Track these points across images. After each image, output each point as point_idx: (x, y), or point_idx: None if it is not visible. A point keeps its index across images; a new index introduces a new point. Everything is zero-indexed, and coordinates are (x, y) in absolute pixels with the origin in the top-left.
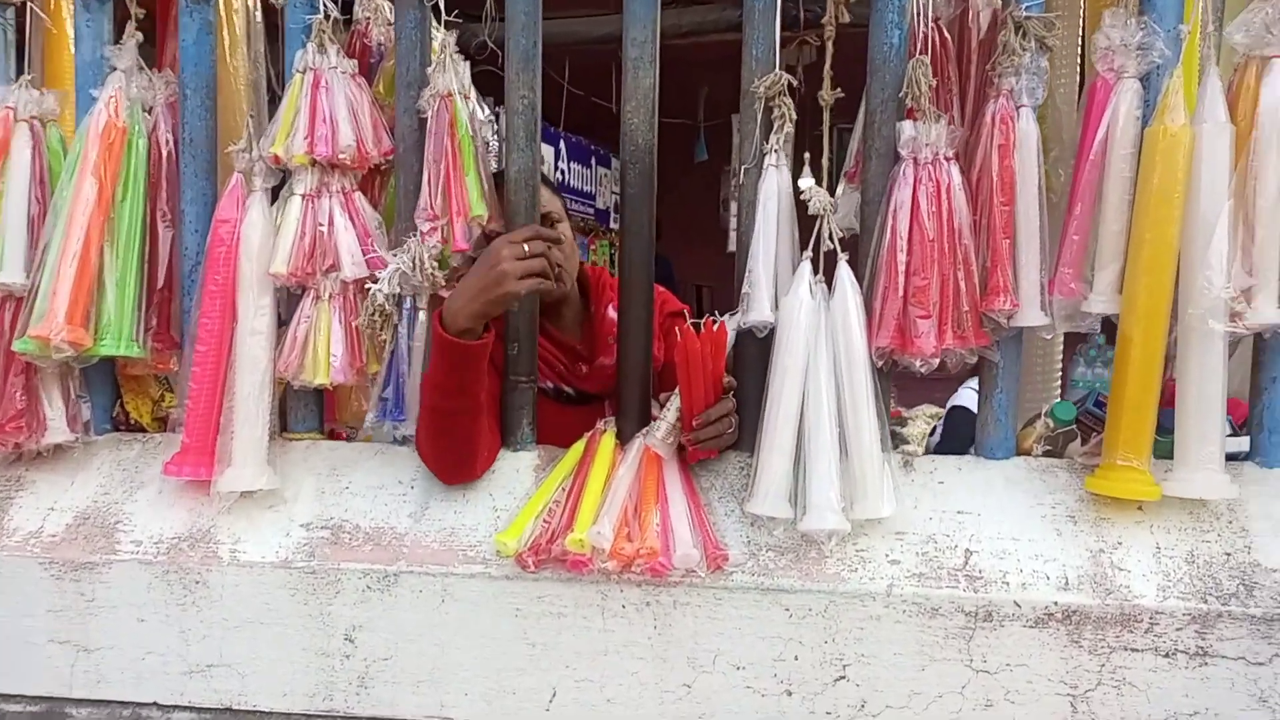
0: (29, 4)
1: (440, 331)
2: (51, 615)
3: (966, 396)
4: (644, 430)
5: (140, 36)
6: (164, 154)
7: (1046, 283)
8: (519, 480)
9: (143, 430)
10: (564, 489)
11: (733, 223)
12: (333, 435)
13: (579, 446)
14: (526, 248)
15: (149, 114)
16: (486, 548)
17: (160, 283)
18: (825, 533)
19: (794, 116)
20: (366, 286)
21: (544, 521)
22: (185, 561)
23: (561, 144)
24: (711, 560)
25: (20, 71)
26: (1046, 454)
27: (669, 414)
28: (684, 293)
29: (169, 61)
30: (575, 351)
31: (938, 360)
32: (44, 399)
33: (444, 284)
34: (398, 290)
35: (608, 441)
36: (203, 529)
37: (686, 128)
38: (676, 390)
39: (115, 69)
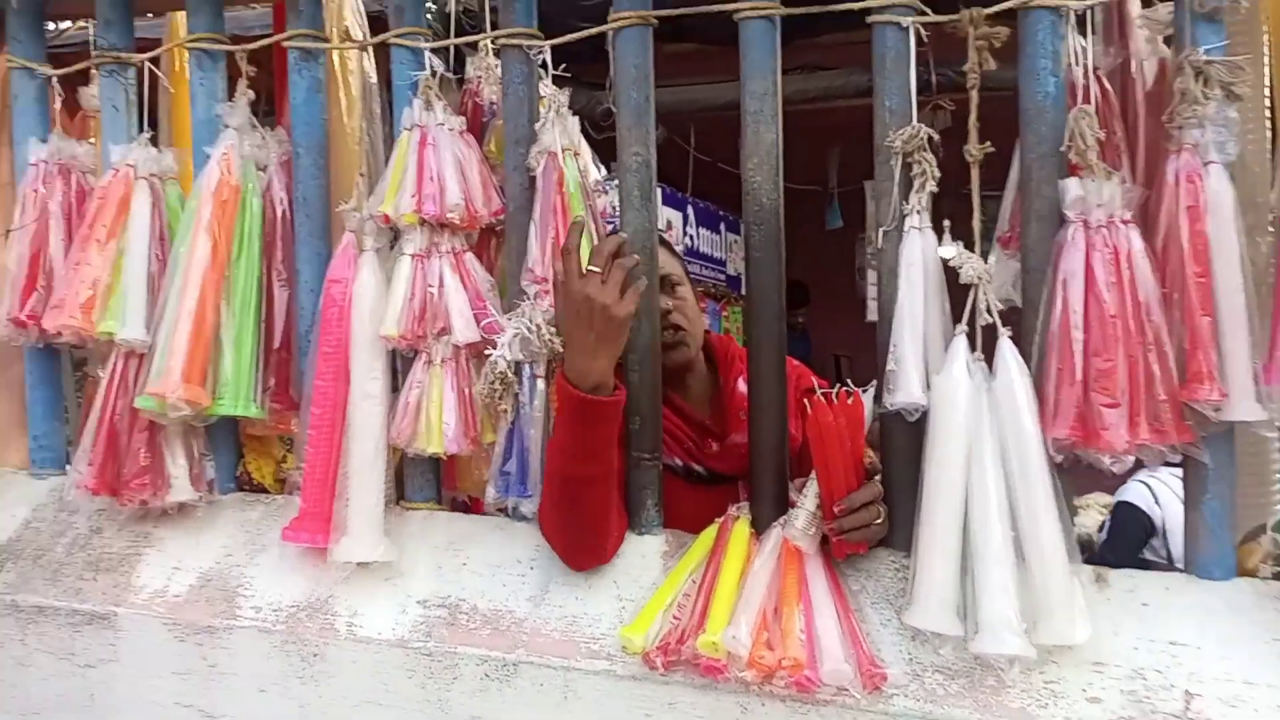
0: (147, 64)
1: (569, 388)
2: (177, 678)
3: (1135, 491)
4: (782, 520)
5: (251, 94)
6: (279, 213)
7: (1260, 369)
8: (645, 568)
9: (265, 491)
10: (694, 581)
11: (871, 291)
12: (454, 504)
13: (710, 534)
14: (603, 270)
15: (263, 172)
16: (611, 641)
17: (277, 342)
18: (1004, 658)
19: (936, 174)
20: (486, 352)
21: (673, 617)
22: (303, 632)
23: (689, 209)
24: (867, 679)
25: (141, 129)
26: (1277, 576)
27: (808, 500)
28: (821, 363)
29: (285, 121)
30: (704, 427)
31: (1131, 457)
32: (168, 456)
33: (561, 348)
34: (519, 357)
35: (741, 530)
36: (320, 598)
37: (817, 195)
38: (814, 475)
39: (228, 126)
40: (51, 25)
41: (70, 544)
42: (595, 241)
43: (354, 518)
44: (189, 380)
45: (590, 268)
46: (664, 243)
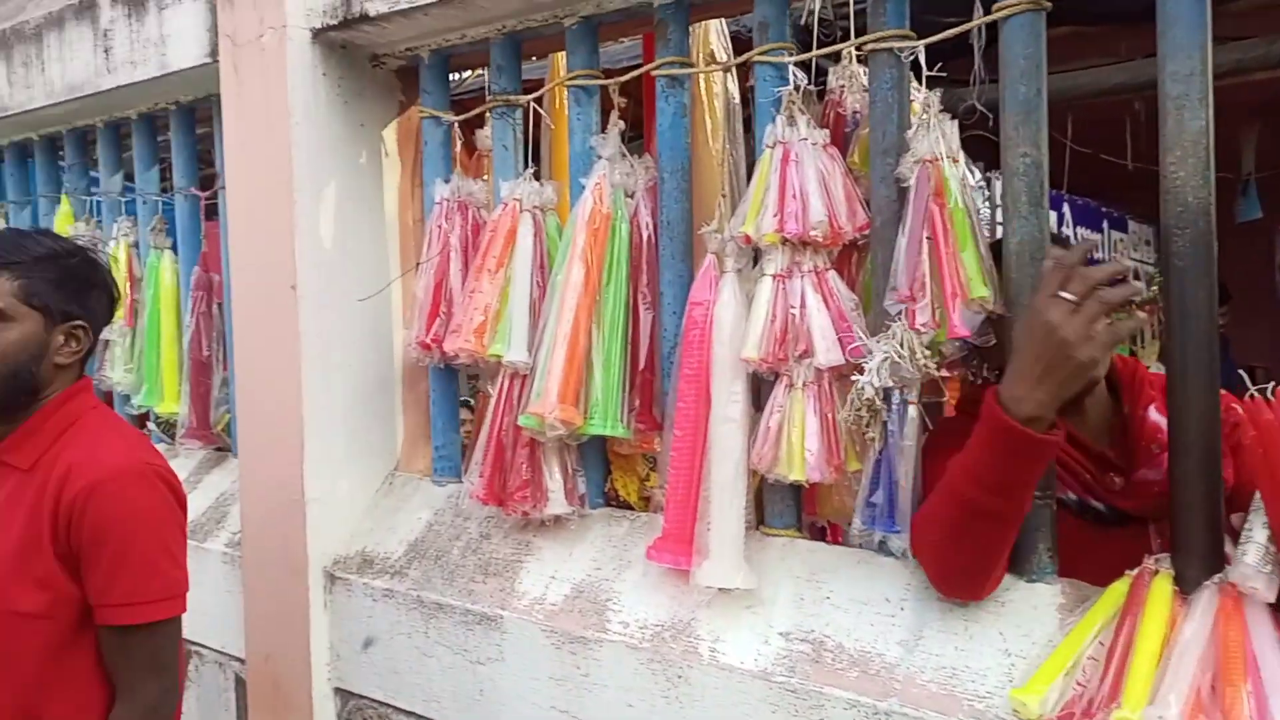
0: (532, 104)
1: (998, 410)
2: (553, 683)
3: None
4: (1217, 577)
5: (623, 125)
6: (644, 237)
7: None
8: (1037, 620)
9: (630, 508)
10: (1101, 643)
11: None
12: (813, 531)
13: (1119, 588)
14: (1078, 298)
15: (631, 199)
16: (998, 702)
17: (642, 364)
18: None
19: None
20: (853, 378)
21: (1077, 684)
22: (668, 652)
23: (1065, 207)
24: None
25: (527, 165)
26: None
27: (1255, 532)
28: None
29: (653, 148)
30: (1104, 459)
31: None
32: (546, 471)
33: (937, 375)
34: (888, 383)
35: (1162, 587)
36: (683, 620)
37: (1229, 183)
38: (1258, 501)
39: (600, 157)
40: (454, 75)
41: (464, 547)
42: (986, 264)
43: (715, 541)
44: (564, 401)
45: (1064, 294)
46: (1058, 244)
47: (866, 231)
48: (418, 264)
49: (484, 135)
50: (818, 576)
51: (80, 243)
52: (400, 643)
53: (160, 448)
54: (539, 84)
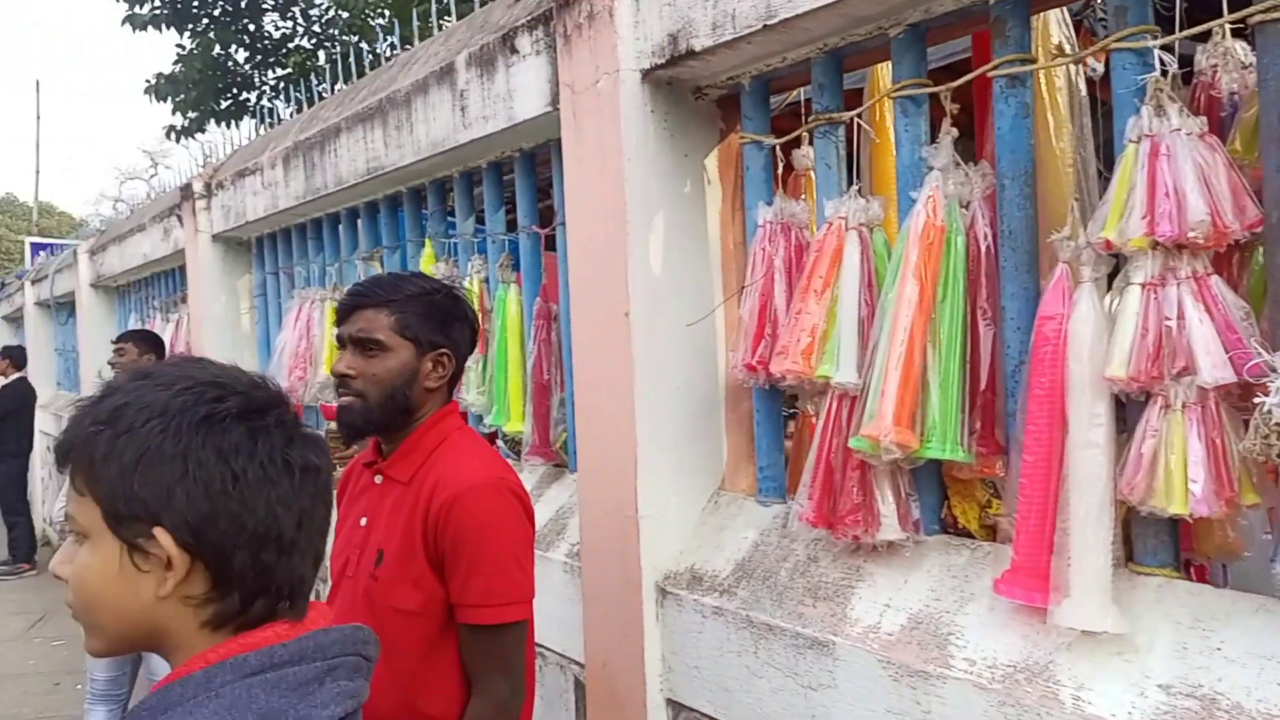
0: (855, 119)
1: None
2: (891, 716)
3: None
4: None
5: (955, 132)
6: (982, 249)
7: None
8: None
9: (970, 536)
10: None
11: None
12: (1188, 569)
13: None
14: None
15: (966, 209)
16: None
17: (983, 384)
18: None
19: None
20: (1258, 400)
21: None
22: (1023, 696)
23: None
24: None
25: (850, 183)
26: None
27: None
28: None
29: (987, 153)
30: None
31: None
32: (878, 495)
33: None
34: None
35: None
36: (1039, 663)
37: None
38: None
39: (932, 168)
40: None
41: (792, 569)
42: None
43: (1076, 579)
44: (899, 423)
45: None
46: None
47: (1258, 229)
48: (742, 287)
49: (801, 155)
50: (1204, 624)
51: (445, 281)
52: (729, 660)
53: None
54: (851, 96)
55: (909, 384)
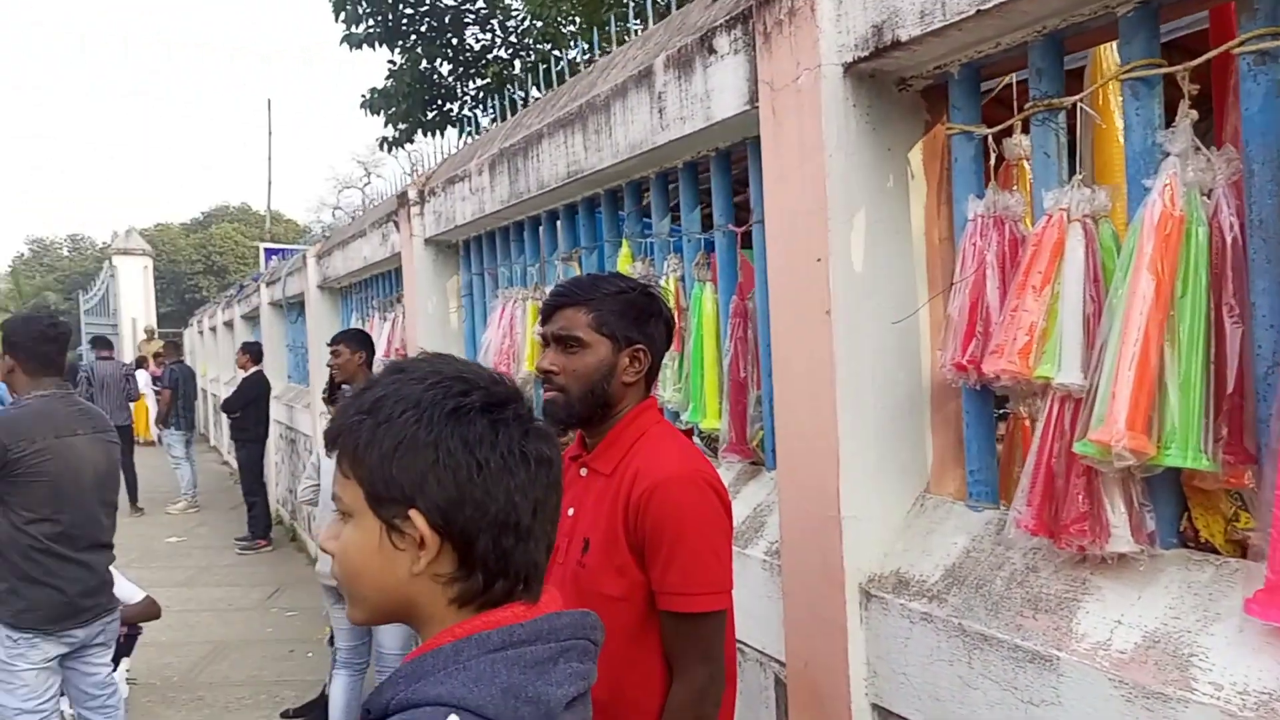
0: (1079, 104)
1: None
2: None
3: None
4: None
5: (1195, 115)
6: (1228, 240)
7: None
8: None
9: (1214, 551)
10: None
11: None
12: None
13: None
14: None
15: (1208, 198)
16: None
17: (1230, 387)
18: None
19: None
20: None
21: None
22: None
23: None
24: None
25: (1072, 172)
26: None
27: None
28: None
29: (1230, 136)
30: None
31: None
32: (1106, 503)
33: None
34: None
35: None
36: None
37: None
38: None
39: (1169, 154)
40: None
41: (1008, 578)
42: None
43: None
44: (1133, 428)
45: None
46: None
47: None
48: (950, 284)
49: (1014, 144)
50: None
51: (641, 280)
52: (940, 669)
53: None
54: (1069, 82)
55: (1144, 386)
